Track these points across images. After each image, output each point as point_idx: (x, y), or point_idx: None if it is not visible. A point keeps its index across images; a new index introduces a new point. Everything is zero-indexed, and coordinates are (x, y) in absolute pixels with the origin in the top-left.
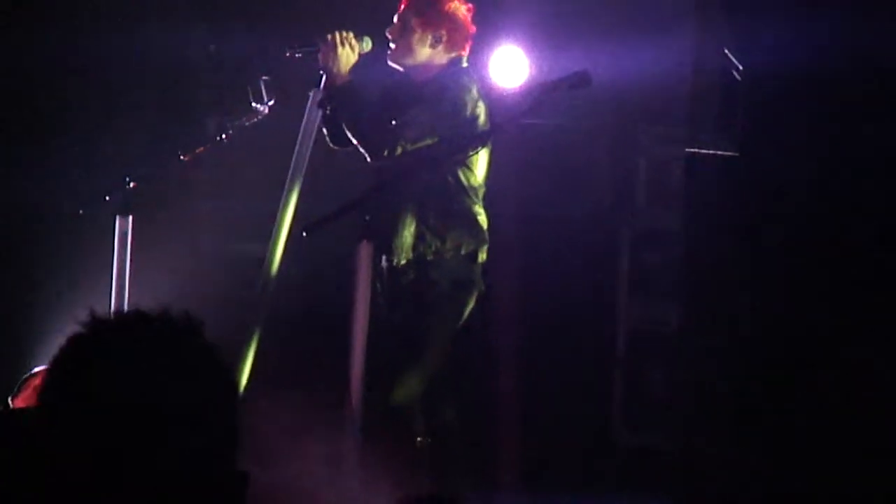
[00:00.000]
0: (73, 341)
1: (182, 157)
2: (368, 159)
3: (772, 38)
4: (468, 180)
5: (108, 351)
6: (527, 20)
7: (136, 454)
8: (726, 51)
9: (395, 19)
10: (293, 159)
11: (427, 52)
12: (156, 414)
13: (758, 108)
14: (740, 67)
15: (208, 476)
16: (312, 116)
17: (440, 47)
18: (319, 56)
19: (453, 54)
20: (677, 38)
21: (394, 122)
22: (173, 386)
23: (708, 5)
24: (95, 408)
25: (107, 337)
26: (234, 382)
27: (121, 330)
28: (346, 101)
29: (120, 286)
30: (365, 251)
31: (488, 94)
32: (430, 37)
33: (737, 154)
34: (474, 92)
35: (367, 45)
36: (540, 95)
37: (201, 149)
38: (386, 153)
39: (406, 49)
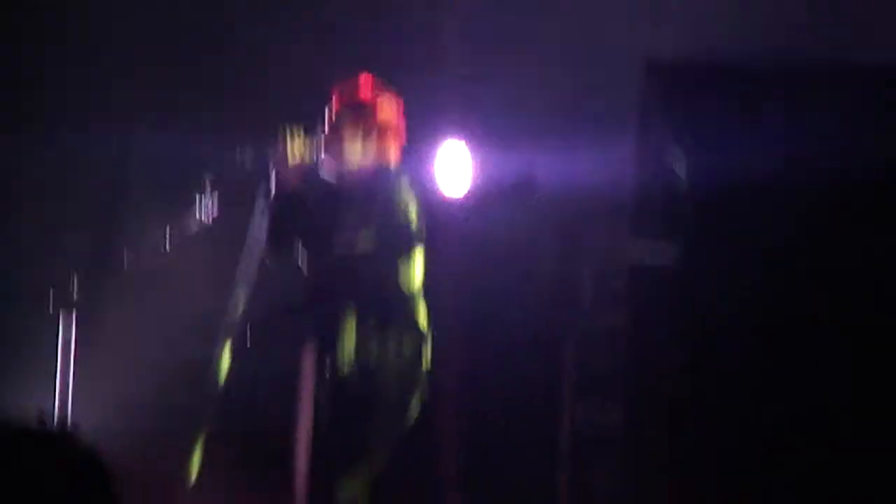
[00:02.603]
0: None
1: (129, 255)
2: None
3: (714, 142)
4: (408, 281)
5: None
6: (471, 120)
7: None
8: (668, 155)
9: (327, 127)
10: (240, 262)
11: (358, 151)
12: None
13: (701, 212)
14: (683, 171)
15: None
16: (259, 221)
17: (372, 145)
18: (269, 152)
19: (387, 151)
20: (620, 142)
21: (330, 230)
22: (44, 492)
23: (650, 109)
24: None
25: None
26: (110, 485)
27: None
28: (293, 212)
29: (64, 383)
30: (309, 355)
31: (426, 194)
32: (360, 133)
33: (680, 257)
34: (405, 189)
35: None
36: (484, 198)
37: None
38: (326, 259)
39: (338, 152)
